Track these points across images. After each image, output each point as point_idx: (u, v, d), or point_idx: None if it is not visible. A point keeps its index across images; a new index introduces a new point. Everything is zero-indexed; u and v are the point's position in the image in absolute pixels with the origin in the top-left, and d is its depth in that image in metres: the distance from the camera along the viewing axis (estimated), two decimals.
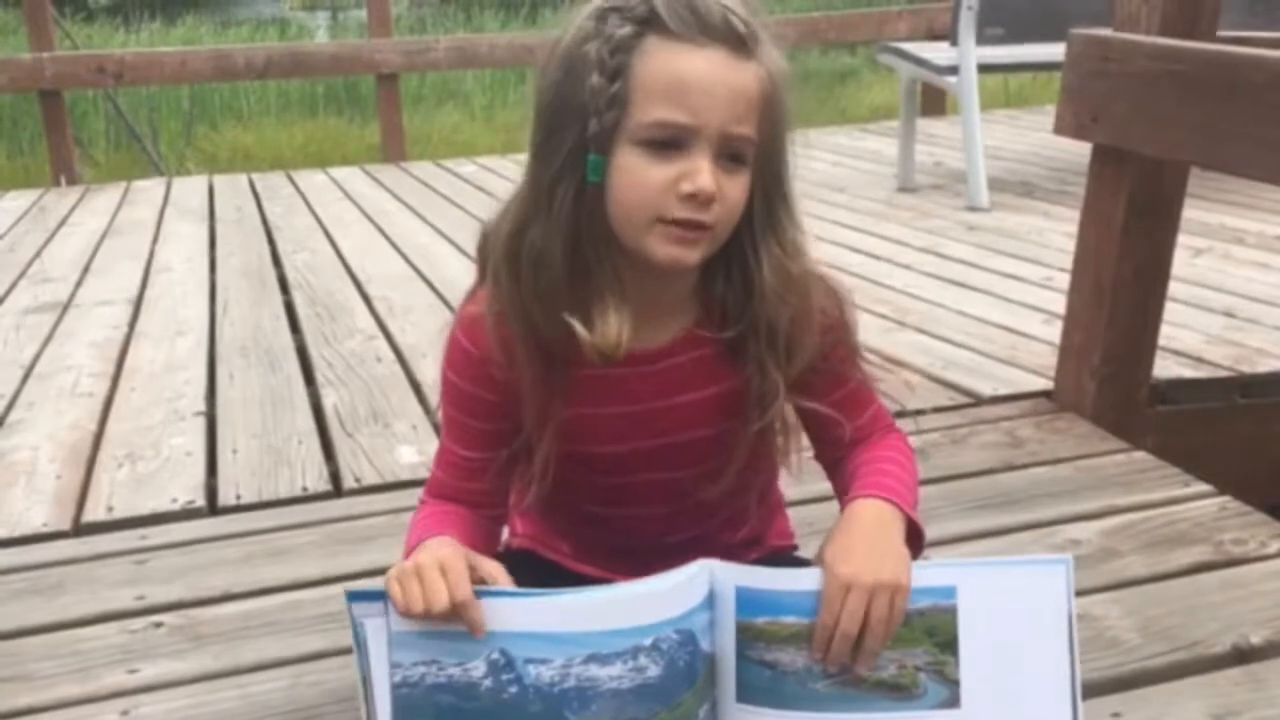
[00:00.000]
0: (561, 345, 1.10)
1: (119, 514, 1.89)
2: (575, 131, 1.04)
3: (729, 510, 1.27)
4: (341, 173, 5.48)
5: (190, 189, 5.20)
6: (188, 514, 1.89)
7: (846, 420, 1.21)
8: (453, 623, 1.03)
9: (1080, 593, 1.51)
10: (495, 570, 1.07)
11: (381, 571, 1.63)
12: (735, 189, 1.06)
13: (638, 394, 1.16)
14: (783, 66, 1.08)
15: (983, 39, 3.92)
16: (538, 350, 1.12)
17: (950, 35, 4.04)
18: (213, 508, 1.92)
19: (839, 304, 1.20)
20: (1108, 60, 1.93)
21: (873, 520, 1.12)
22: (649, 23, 1.03)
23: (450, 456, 1.23)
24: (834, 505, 1.23)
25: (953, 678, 1.08)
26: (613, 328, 1.08)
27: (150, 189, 5.26)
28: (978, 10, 3.87)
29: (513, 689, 1.03)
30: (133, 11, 11.99)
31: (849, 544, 1.09)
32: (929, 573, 1.11)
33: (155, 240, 4.14)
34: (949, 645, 1.08)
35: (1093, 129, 2.00)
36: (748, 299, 1.13)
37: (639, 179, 1.03)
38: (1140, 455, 1.96)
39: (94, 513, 1.90)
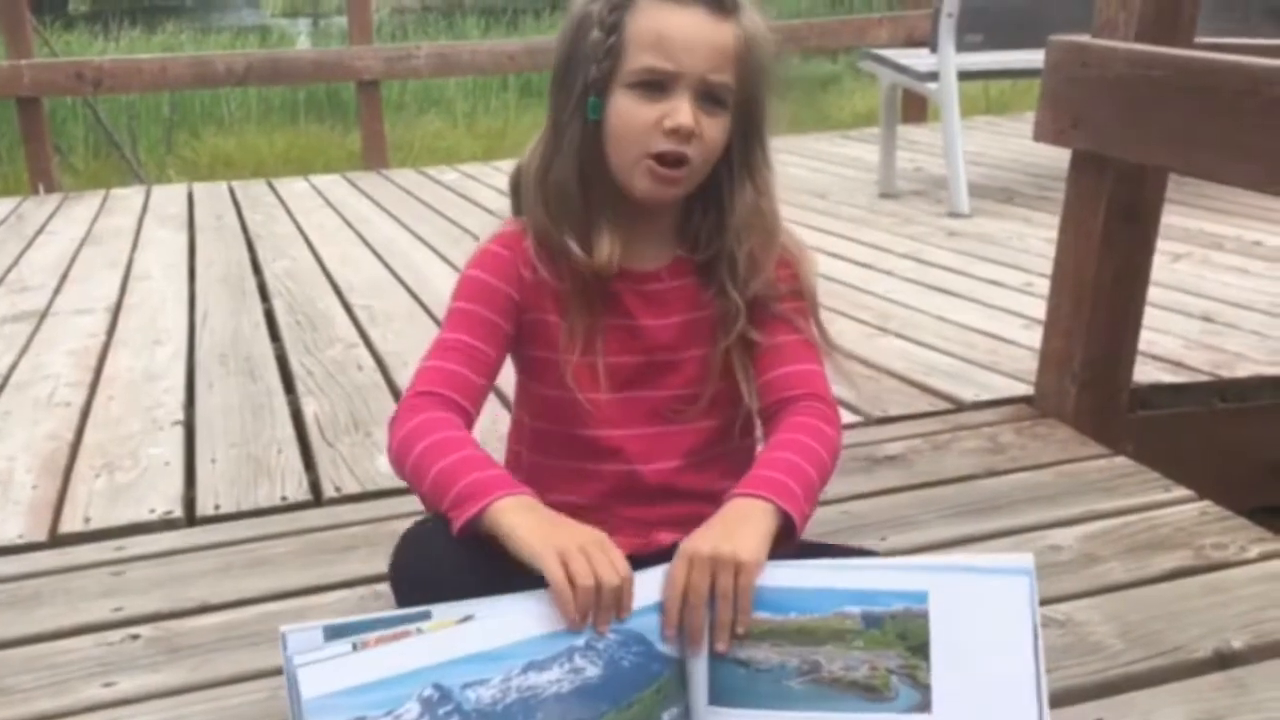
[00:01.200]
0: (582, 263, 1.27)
1: (96, 525, 1.87)
2: (580, 79, 1.23)
3: (708, 451, 1.35)
4: (323, 180, 5.46)
5: (170, 197, 5.17)
6: (166, 524, 1.88)
7: (776, 367, 1.32)
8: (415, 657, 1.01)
9: (1061, 598, 1.52)
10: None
11: (363, 581, 1.64)
12: (714, 129, 1.23)
13: (632, 310, 1.32)
14: (761, 29, 1.25)
15: (962, 46, 3.94)
16: (575, 267, 1.28)
17: (930, 42, 4.06)
18: (191, 518, 1.91)
19: (799, 253, 1.35)
20: (1086, 66, 1.93)
21: (732, 512, 1.18)
22: None
23: (461, 346, 1.29)
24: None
25: (924, 682, 1.09)
26: (605, 248, 1.26)
27: (129, 197, 5.23)
28: (957, 17, 3.88)
29: (453, 719, 1.01)
30: (112, 18, 11.92)
31: (701, 529, 1.16)
32: (901, 575, 1.12)
33: (134, 248, 4.11)
34: (921, 649, 1.10)
35: (1072, 135, 2.00)
36: (720, 230, 1.30)
37: (630, 116, 1.22)
38: (1121, 460, 1.96)
39: (71, 523, 1.88)
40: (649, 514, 1.32)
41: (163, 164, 7.50)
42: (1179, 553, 1.64)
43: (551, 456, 1.35)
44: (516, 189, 1.35)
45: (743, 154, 1.28)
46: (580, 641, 1.06)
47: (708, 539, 1.13)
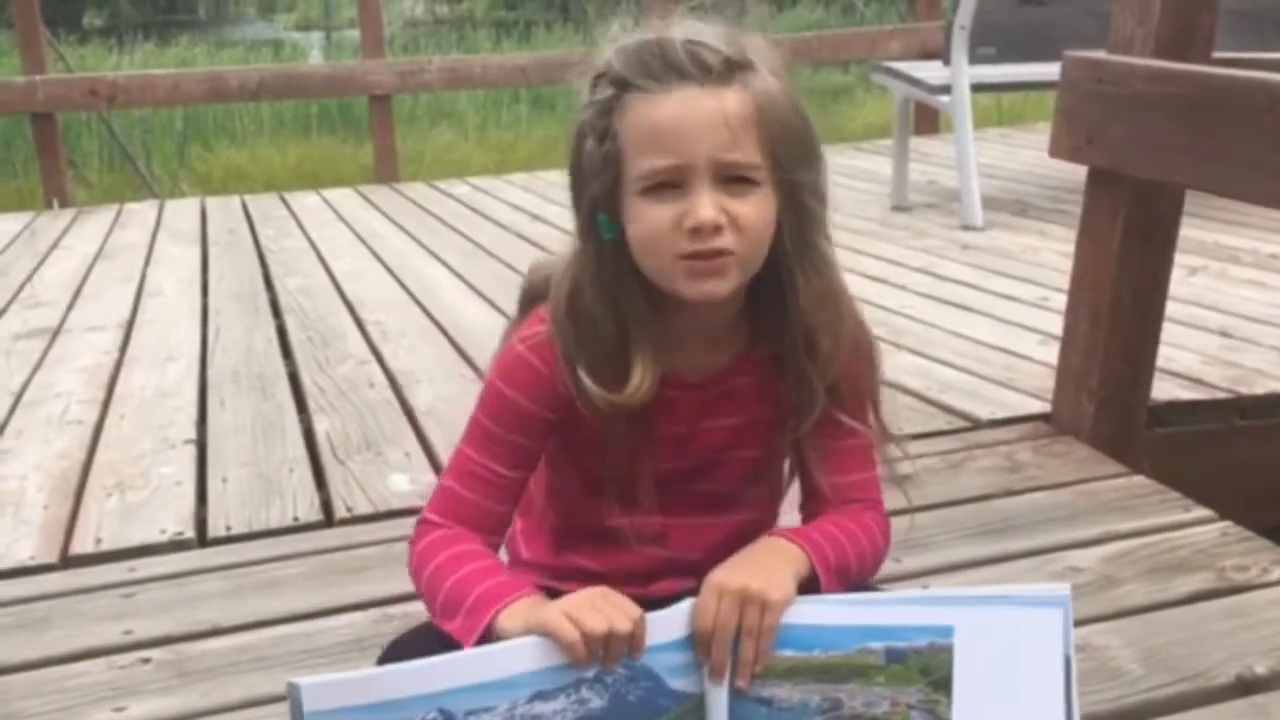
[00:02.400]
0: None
1: (107, 546, 1.87)
2: (589, 196, 1.11)
3: (749, 534, 1.26)
4: (335, 194, 5.47)
5: (182, 212, 5.19)
6: (177, 545, 1.87)
7: (835, 474, 1.23)
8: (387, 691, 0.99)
9: (1081, 622, 1.49)
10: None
11: (375, 604, 1.63)
12: (749, 210, 1.08)
13: (690, 417, 1.20)
14: (771, 86, 1.09)
15: (975, 58, 3.93)
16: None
17: (943, 55, 4.04)
18: (202, 539, 1.90)
19: (868, 339, 1.22)
20: (1103, 83, 1.92)
21: (764, 548, 1.16)
22: (624, 82, 1.08)
23: (483, 473, 1.19)
24: None
25: (944, 717, 1.08)
26: (637, 377, 1.12)
27: (142, 211, 5.25)
28: (970, 30, 3.87)
29: None
30: (126, 33, 12.00)
31: (730, 560, 1.14)
32: (927, 610, 1.10)
33: (147, 264, 4.12)
34: (943, 684, 1.08)
35: (1088, 151, 1.99)
36: (786, 314, 1.15)
37: (648, 225, 1.08)
38: (1140, 479, 1.94)
39: (82, 544, 1.88)
40: (684, 584, 1.23)
41: (176, 177, 7.54)
42: (1200, 575, 1.62)
43: (581, 536, 1.27)
44: (530, 296, 1.24)
45: (796, 231, 1.11)
46: (589, 674, 1.05)
47: (738, 574, 1.11)
